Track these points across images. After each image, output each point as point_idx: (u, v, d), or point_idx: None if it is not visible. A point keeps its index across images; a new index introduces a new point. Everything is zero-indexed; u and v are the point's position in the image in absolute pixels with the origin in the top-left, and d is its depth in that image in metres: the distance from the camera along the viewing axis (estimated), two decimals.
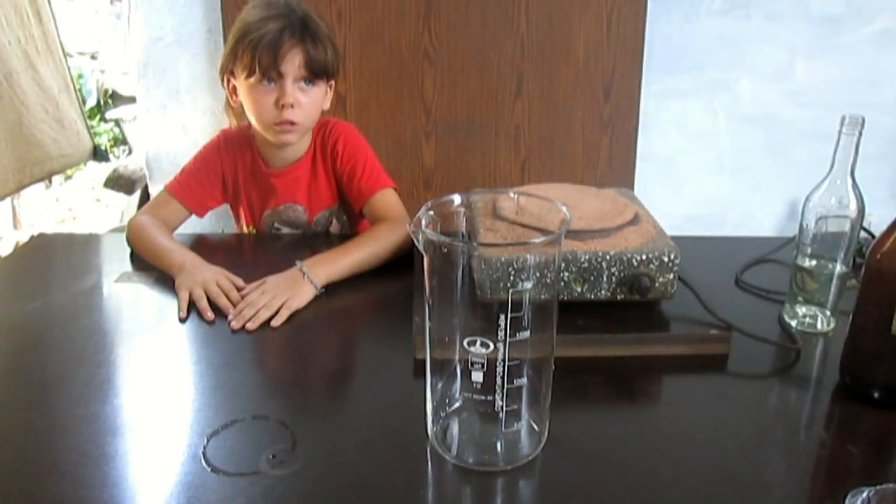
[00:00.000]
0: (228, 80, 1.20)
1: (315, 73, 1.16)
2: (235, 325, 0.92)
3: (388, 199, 1.21)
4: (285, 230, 1.32)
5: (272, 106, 1.15)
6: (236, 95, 1.20)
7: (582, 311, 0.88)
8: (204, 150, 1.28)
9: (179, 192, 1.23)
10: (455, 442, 0.66)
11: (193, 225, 1.31)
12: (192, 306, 0.96)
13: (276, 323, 0.92)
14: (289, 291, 0.97)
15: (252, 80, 1.14)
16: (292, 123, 1.16)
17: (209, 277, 0.99)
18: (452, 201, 0.65)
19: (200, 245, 1.23)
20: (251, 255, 1.27)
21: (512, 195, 0.86)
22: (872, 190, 0.98)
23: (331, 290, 1.02)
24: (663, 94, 2.05)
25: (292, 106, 1.14)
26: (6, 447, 0.70)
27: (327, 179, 1.28)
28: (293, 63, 1.13)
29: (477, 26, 1.88)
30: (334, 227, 1.34)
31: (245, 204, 1.32)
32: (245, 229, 1.35)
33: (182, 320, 0.94)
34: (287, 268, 1.02)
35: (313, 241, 1.25)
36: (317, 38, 1.15)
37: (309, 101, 1.17)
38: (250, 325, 0.91)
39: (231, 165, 1.28)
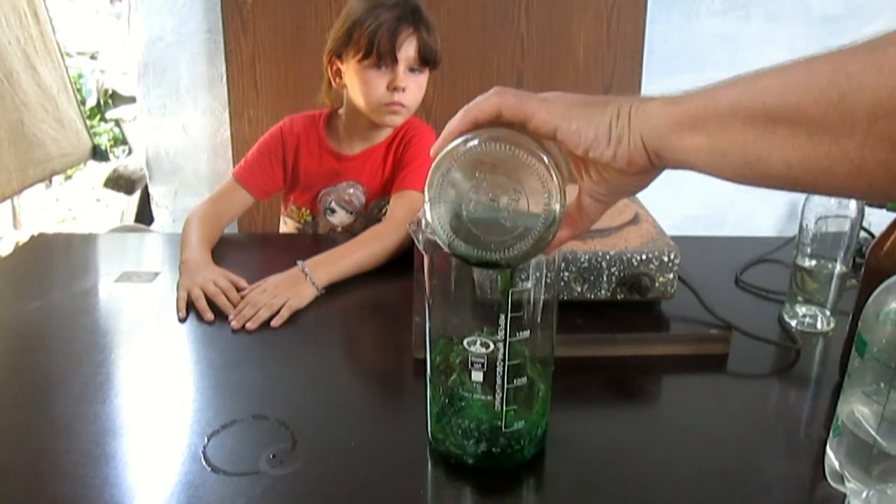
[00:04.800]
0: (332, 63, 1.26)
1: (426, 60, 1.22)
2: (235, 325, 0.92)
3: (410, 200, 1.22)
4: (339, 213, 1.33)
5: (384, 89, 1.21)
6: (340, 78, 1.26)
7: (582, 311, 0.88)
8: (267, 136, 1.34)
9: (244, 177, 1.29)
10: (455, 442, 0.66)
11: None
12: (191, 306, 0.97)
13: (276, 323, 0.92)
14: (289, 291, 0.97)
15: (366, 62, 1.19)
16: (402, 105, 1.22)
17: (208, 277, 0.99)
18: None
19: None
20: (251, 255, 1.27)
21: None
22: None
23: (331, 290, 1.02)
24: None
25: (404, 90, 1.21)
26: (6, 447, 0.70)
27: (394, 170, 1.31)
28: (409, 49, 1.20)
29: (477, 26, 1.88)
30: None
31: (302, 184, 1.35)
32: (292, 216, 1.38)
33: (181, 320, 0.94)
34: (289, 268, 1.02)
35: (315, 242, 1.25)
36: (430, 27, 1.22)
37: (416, 87, 1.24)
38: (250, 325, 0.91)
39: (293, 147, 1.32)
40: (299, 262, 1.02)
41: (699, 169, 0.44)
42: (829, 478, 0.64)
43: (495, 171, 0.46)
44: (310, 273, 1.00)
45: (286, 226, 1.42)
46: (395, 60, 1.19)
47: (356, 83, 1.23)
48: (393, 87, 1.20)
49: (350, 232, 1.33)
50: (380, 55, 1.18)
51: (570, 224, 0.53)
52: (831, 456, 0.64)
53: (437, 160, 0.48)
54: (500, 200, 0.47)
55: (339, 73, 1.26)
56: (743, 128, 0.40)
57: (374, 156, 1.31)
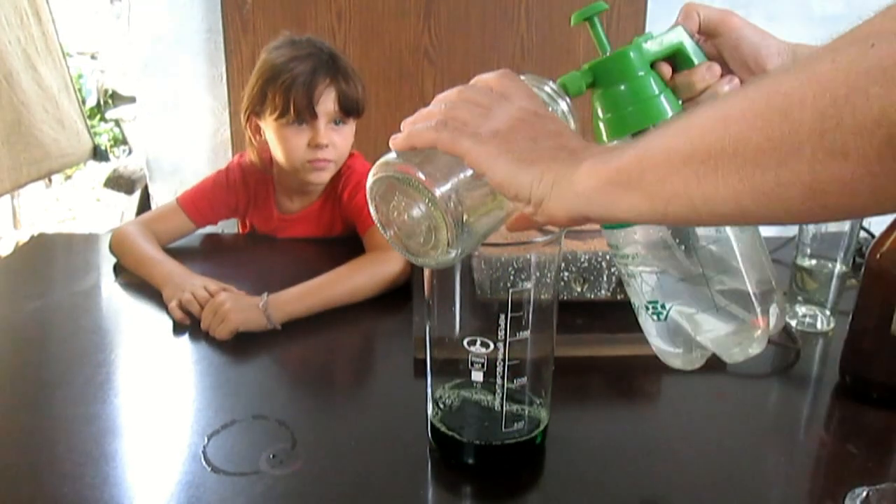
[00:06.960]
0: (251, 120, 1.19)
1: (348, 111, 1.16)
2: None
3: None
4: None
5: (304, 146, 1.15)
6: (259, 135, 1.20)
7: (582, 311, 0.88)
8: (222, 175, 1.26)
9: (189, 207, 1.21)
10: (455, 442, 0.66)
11: None
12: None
13: (219, 336, 0.89)
14: (236, 307, 0.90)
15: (283, 120, 1.13)
16: (326, 161, 1.16)
17: (197, 285, 0.96)
18: None
19: (203, 244, 1.23)
20: (251, 255, 1.27)
21: None
22: None
23: None
24: None
25: (326, 146, 1.14)
26: (6, 447, 0.70)
27: (344, 222, 1.26)
28: (327, 103, 1.13)
29: (477, 26, 1.88)
30: None
31: (251, 225, 1.33)
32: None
33: (182, 327, 0.93)
34: (288, 269, 1.01)
35: (319, 245, 1.25)
36: (348, 76, 1.15)
37: (341, 140, 1.17)
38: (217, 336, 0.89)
39: (245, 198, 1.27)
40: (265, 295, 0.93)
41: (641, 223, 0.43)
42: (665, 361, 0.64)
43: (407, 195, 0.49)
44: (267, 306, 0.91)
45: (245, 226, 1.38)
46: (314, 116, 1.13)
47: (276, 142, 1.17)
48: (315, 145, 1.14)
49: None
50: (297, 112, 1.11)
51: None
52: (655, 340, 0.62)
53: (367, 183, 0.51)
54: (413, 219, 0.49)
55: (258, 130, 1.20)
56: (683, 171, 0.37)
57: (312, 215, 1.26)
